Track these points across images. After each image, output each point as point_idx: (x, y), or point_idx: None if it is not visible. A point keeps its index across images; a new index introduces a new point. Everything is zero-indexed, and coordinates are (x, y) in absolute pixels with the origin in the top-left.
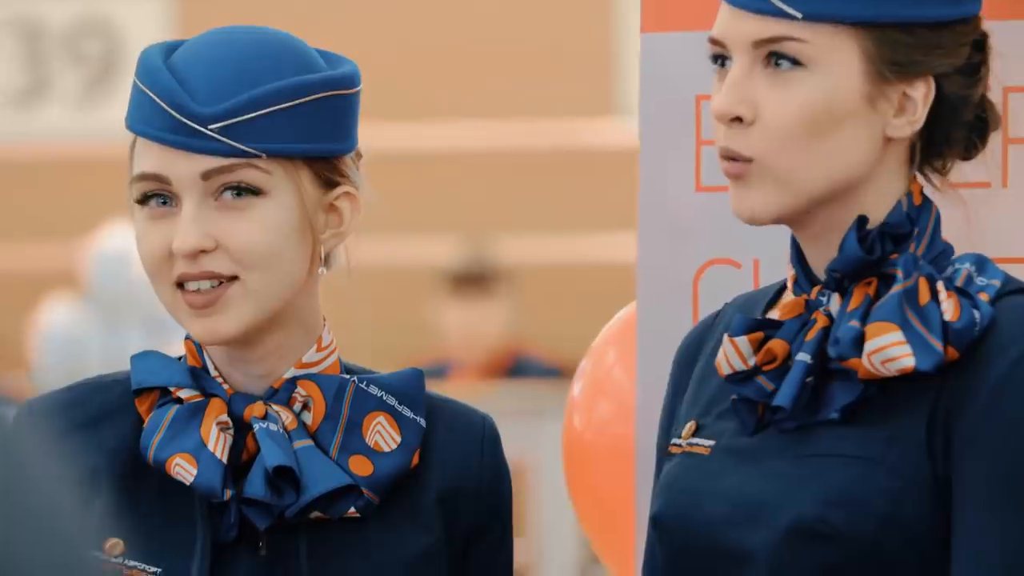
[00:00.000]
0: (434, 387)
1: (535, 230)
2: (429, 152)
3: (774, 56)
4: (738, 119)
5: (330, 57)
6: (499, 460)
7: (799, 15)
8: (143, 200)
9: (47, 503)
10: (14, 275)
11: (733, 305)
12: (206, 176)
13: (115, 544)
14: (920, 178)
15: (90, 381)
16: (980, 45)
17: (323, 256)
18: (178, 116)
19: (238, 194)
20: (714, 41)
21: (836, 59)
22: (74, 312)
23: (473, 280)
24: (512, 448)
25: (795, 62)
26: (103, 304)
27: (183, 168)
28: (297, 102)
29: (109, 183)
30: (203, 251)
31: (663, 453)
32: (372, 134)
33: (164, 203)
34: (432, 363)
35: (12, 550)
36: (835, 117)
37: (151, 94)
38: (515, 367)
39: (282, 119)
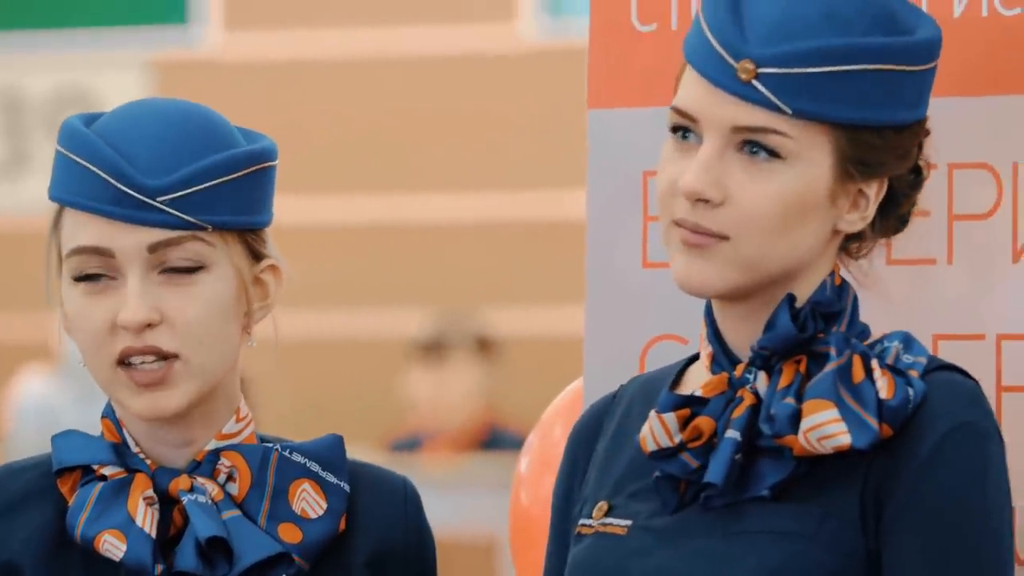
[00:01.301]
0: (408, 460)
1: (509, 301)
2: (400, 224)
3: (751, 145)
4: (704, 200)
5: (246, 132)
6: (422, 522)
7: (789, 111)
8: (80, 277)
9: None
10: None
11: (630, 387)
12: (152, 249)
13: None
14: (840, 260)
15: (3, 468)
16: (921, 145)
17: (251, 328)
18: (122, 188)
19: (180, 267)
20: (682, 113)
21: (812, 155)
22: (48, 384)
23: (442, 348)
24: (485, 522)
25: (773, 154)
26: (77, 376)
27: (127, 241)
28: (235, 175)
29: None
30: (149, 325)
31: (562, 534)
32: (344, 206)
33: (100, 278)
34: (405, 436)
35: None
36: (804, 209)
37: (89, 166)
38: (489, 440)
39: (223, 192)
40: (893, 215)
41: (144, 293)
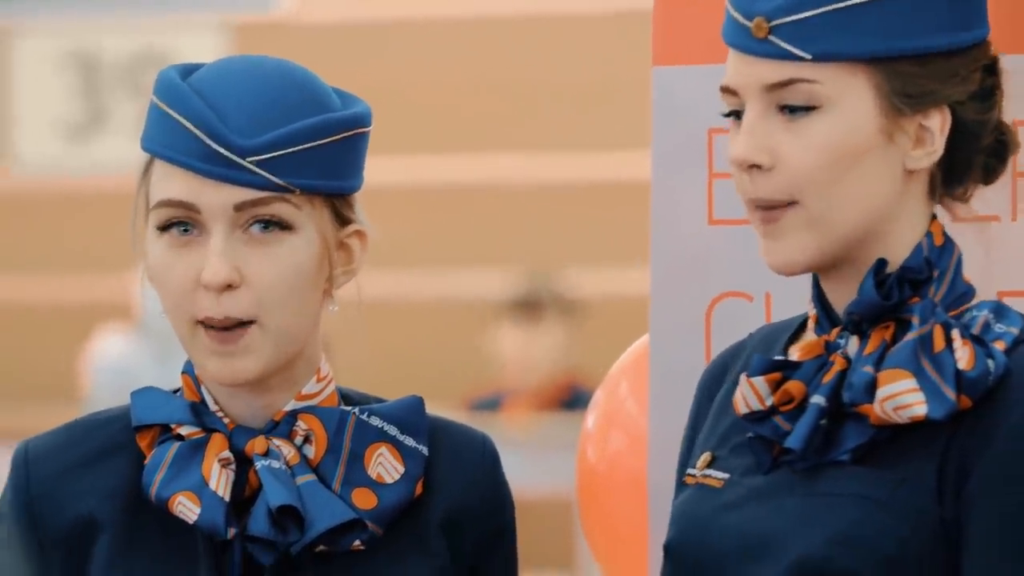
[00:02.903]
0: (488, 419)
1: (592, 262)
2: (486, 185)
3: (788, 108)
4: (757, 167)
5: (343, 95)
6: (500, 480)
7: (808, 56)
8: (165, 227)
9: None
10: (68, 307)
11: (756, 336)
12: (238, 208)
13: None
14: (939, 211)
15: (87, 419)
16: (992, 69)
17: (335, 292)
18: (213, 145)
19: (266, 227)
20: (726, 89)
21: (849, 96)
22: (127, 344)
23: (530, 307)
24: (563, 480)
25: (809, 108)
26: (156, 336)
27: (214, 198)
28: (327, 140)
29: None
30: (229, 286)
31: (681, 481)
32: (433, 167)
33: (186, 231)
34: (487, 395)
35: None
36: (854, 154)
37: (181, 119)
38: (571, 399)
39: (313, 155)
40: (975, 148)
41: (227, 252)
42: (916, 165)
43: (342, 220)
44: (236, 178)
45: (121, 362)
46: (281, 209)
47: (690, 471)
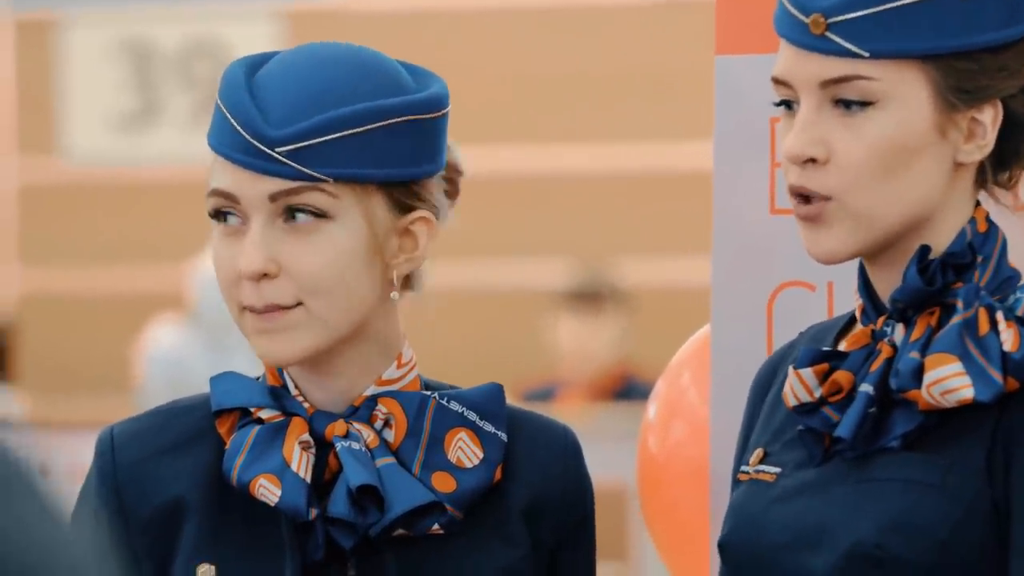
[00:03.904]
0: (542, 408)
1: (647, 252)
2: (544, 175)
3: (843, 102)
4: (811, 160)
5: (421, 75)
6: (582, 471)
7: (866, 54)
8: (216, 215)
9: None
10: (122, 297)
11: (807, 334)
12: (273, 198)
13: (207, 571)
14: (985, 200)
15: (170, 406)
16: None
17: (397, 279)
18: (247, 136)
19: (303, 217)
20: (778, 81)
21: (904, 93)
22: (180, 334)
23: (586, 299)
24: (616, 471)
25: (864, 103)
26: (208, 326)
27: (251, 189)
28: (370, 127)
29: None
30: (266, 275)
31: (735, 479)
32: (491, 157)
33: (235, 220)
34: (541, 385)
35: None
36: (908, 151)
37: (226, 112)
38: (625, 389)
39: (353, 144)
40: None
41: (263, 242)
42: (968, 159)
43: (403, 207)
44: (268, 169)
45: (174, 352)
46: (315, 199)
47: (743, 468)
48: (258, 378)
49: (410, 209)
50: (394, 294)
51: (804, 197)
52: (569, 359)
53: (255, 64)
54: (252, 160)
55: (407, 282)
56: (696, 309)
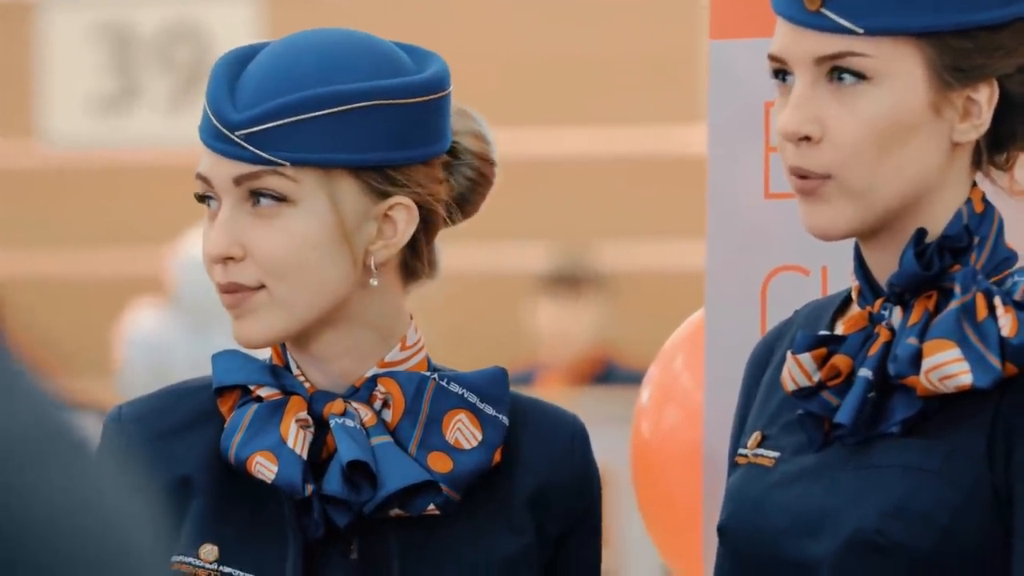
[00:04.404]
0: (521, 392)
1: (628, 236)
2: (524, 159)
3: (837, 71)
4: (806, 138)
5: (420, 57)
6: (589, 460)
7: (861, 30)
8: (200, 199)
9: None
10: (101, 281)
11: (803, 312)
12: (238, 182)
13: (210, 550)
14: (982, 181)
15: (177, 387)
16: None
17: (375, 265)
18: (215, 121)
19: (266, 200)
20: (774, 58)
21: (899, 70)
22: (160, 318)
23: (566, 283)
24: (598, 454)
25: (859, 76)
26: (189, 310)
27: (218, 172)
28: (335, 111)
29: (196, 182)
30: (231, 258)
31: (734, 461)
32: None
33: (214, 204)
34: (521, 368)
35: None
36: (903, 128)
37: (205, 98)
38: (604, 373)
39: (315, 127)
40: (1020, 118)
41: (228, 225)
42: (963, 138)
43: (379, 193)
44: (229, 152)
45: (154, 336)
46: (275, 183)
47: (741, 451)
48: (269, 356)
49: (387, 195)
50: (373, 280)
51: (802, 177)
52: (549, 343)
53: (251, 53)
54: (217, 144)
55: (429, 270)
56: (676, 293)
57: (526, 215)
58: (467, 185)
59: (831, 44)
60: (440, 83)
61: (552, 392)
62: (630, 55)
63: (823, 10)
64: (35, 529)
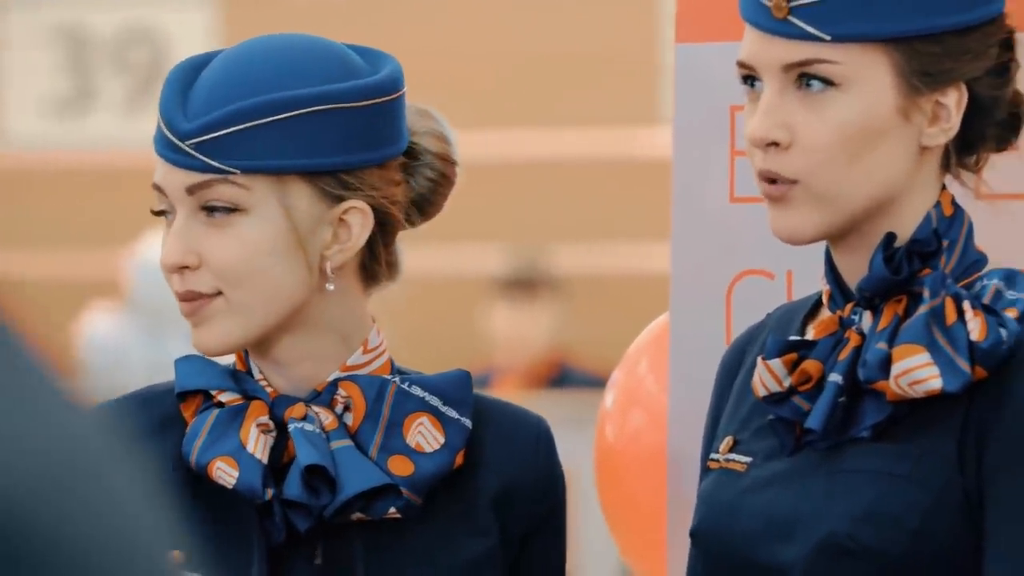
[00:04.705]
0: (485, 394)
1: (584, 239)
2: (479, 161)
3: (805, 77)
4: (775, 144)
5: (374, 59)
6: (554, 461)
7: (828, 37)
8: (159, 213)
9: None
10: (57, 283)
11: (774, 316)
12: (190, 191)
13: (176, 557)
14: (951, 183)
15: (142, 392)
16: (1007, 44)
17: (331, 270)
18: (166, 131)
19: (219, 208)
20: (742, 64)
21: (867, 76)
22: (116, 320)
23: (522, 286)
24: None
25: (827, 82)
26: (145, 313)
27: (173, 181)
28: (284, 116)
29: (153, 192)
30: (187, 267)
31: (706, 465)
32: None
33: (171, 214)
34: (476, 371)
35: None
36: (871, 134)
37: (159, 108)
38: (560, 376)
39: (265, 134)
40: (990, 122)
41: (183, 234)
42: (932, 142)
43: (333, 197)
44: (180, 162)
45: (110, 338)
46: (226, 191)
47: (713, 456)
48: (233, 362)
49: (341, 199)
50: (329, 284)
51: (771, 181)
52: (504, 346)
53: (204, 61)
54: (169, 153)
55: (389, 273)
56: (632, 296)
57: (482, 218)
58: (428, 186)
59: (799, 51)
60: (393, 84)
61: (508, 395)
62: (589, 56)
63: (790, 18)
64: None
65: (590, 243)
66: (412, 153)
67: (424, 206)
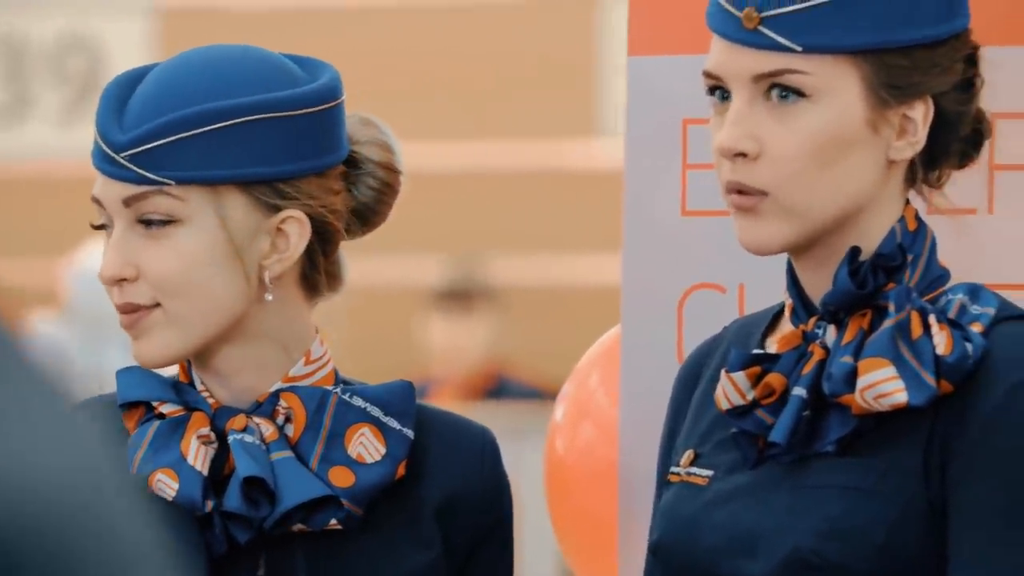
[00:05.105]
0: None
1: (519, 250)
2: (415, 172)
3: (776, 88)
4: (743, 154)
5: (312, 68)
6: (499, 472)
7: (799, 48)
8: (99, 227)
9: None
10: None
11: (731, 329)
12: (127, 203)
13: None
14: (914, 196)
15: (85, 402)
16: (972, 59)
17: (269, 280)
18: (101, 143)
19: (156, 220)
20: (710, 75)
21: (837, 88)
22: (54, 329)
23: (458, 297)
24: None
25: (797, 93)
26: (83, 322)
27: (108, 194)
28: (218, 126)
29: (90, 202)
30: (125, 279)
31: (663, 479)
32: None
33: (110, 226)
34: (414, 382)
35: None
36: (841, 145)
37: (95, 120)
38: (497, 388)
39: (200, 144)
40: (954, 136)
41: (120, 247)
42: (899, 156)
43: (270, 207)
44: (115, 174)
45: (48, 347)
46: (161, 203)
47: (674, 469)
48: (176, 373)
49: (278, 208)
50: (268, 295)
51: (739, 193)
52: (441, 357)
53: (140, 74)
54: (105, 166)
55: (331, 283)
56: (571, 307)
57: (419, 228)
58: (371, 195)
59: (769, 62)
60: (330, 93)
61: (445, 406)
62: (526, 67)
63: (761, 28)
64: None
65: (527, 254)
66: (353, 162)
67: (367, 215)
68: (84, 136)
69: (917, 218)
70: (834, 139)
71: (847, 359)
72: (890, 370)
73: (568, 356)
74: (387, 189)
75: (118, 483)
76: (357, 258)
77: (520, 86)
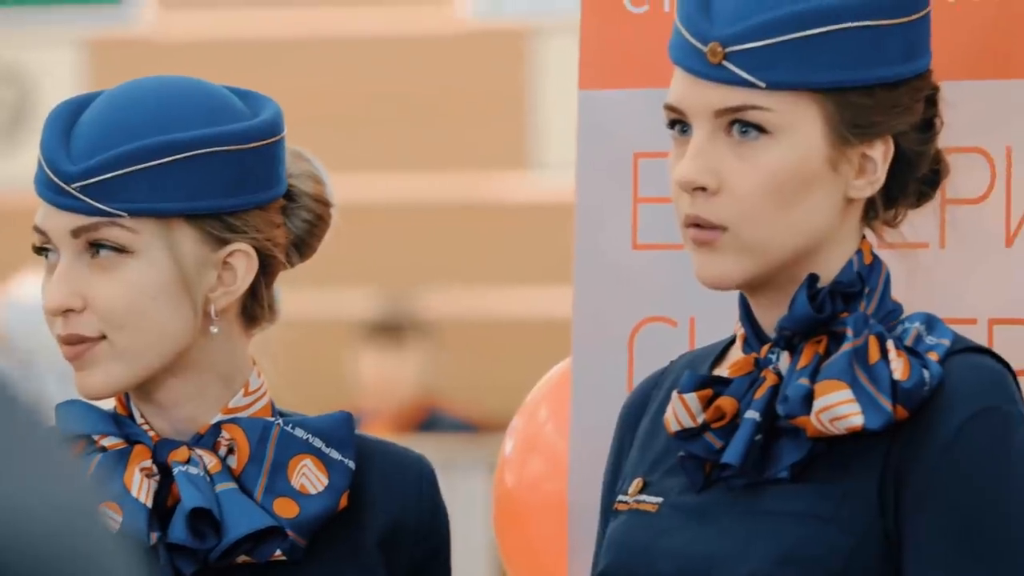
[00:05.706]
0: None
1: (450, 283)
2: (345, 204)
3: (737, 124)
4: (703, 188)
5: (255, 102)
6: (437, 499)
7: (763, 84)
8: (38, 250)
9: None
10: None
11: (680, 363)
12: (75, 234)
13: None
14: (869, 233)
15: None
16: (932, 99)
17: (215, 312)
18: (50, 173)
19: (105, 251)
20: (671, 108)
21: (799, 125)
22: None
23: (389, 330)
24: None
25: (759, 129)
26: (18, 353)
27: (55, 224)
28: (170, 159)
29: (22, 233)
30: (71, 310)
31: (608, 510)
32: None
33: (53, 256)
34: None
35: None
36: (801, 183)
37: (40, 149)
38: (428, 421)
39: (151, 177)
40: (912, 176)
41: (67, 277)
42: (858, 194)
43: (218, 240)
44: (65, 204)
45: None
46: (112, 234)
47: (621, 498)
48: (114, 406)
49: (226, 241)
50: (213, 327)
51: (698, 227)
52: (372, 390)
53: (84, 103)
54: (53, 196)
55: (270, 314)
56: (506, 341)
57: (349, 260)
58: (304, 228)
59: (732, 97)
60: (274, 128)
61: None
62: (458, 99)
63: (725, 63)
64: None
65: (458, 287)
66: (289, 195)
67: (301, 247)
68: (14, 167)
69: (872, 252)
70: (794, 176)
71: (804, 381)
72: (847, 393)
73: (497, 388)
74: (319, 221)
75: (104, 522)
76: (289, 290)
77: (452, 118)
